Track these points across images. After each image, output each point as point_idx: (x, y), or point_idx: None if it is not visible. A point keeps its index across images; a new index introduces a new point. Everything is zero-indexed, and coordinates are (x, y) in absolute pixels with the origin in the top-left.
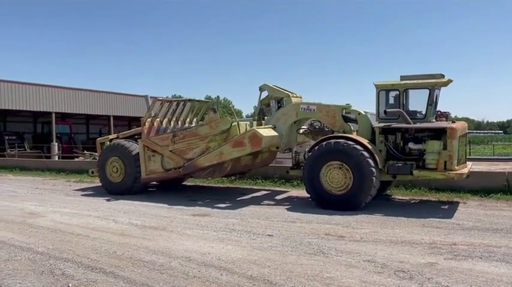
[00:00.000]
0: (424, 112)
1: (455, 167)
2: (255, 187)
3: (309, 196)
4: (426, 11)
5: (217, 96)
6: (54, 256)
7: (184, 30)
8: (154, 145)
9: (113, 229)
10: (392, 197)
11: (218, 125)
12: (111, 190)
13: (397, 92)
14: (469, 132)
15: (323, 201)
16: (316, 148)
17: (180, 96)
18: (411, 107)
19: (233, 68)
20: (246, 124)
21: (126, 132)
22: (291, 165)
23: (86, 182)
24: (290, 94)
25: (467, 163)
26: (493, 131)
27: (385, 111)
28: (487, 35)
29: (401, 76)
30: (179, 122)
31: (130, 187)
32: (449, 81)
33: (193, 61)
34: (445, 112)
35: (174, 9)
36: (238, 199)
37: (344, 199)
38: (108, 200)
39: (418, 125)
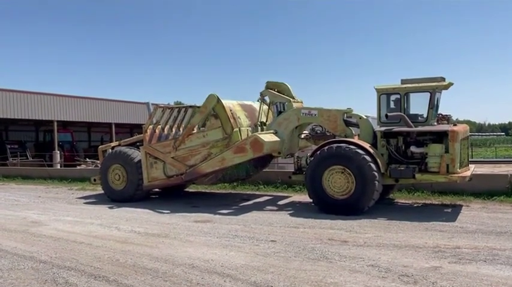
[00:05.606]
0: (425, 115)
1: (458, 170)
2: (257, 193)
3: (311, 200)
4: (426, 14)
5: None
6: (57, 264)
7: (185, 37)
8: (156, 151)
9: (116, 236)
10: (395, 201)
11: (206, 106)
12: (114, 198)
13: (398, 96)
14: (470, 135)
15: (326, 206)
16: (318, 152)
17: (181, 103)
18: (412, 111)
19: (234, 74)
20: (247, 130)
21: (127, 139)
22: (293, 170)
23: (88, 190)
24: (291, 99)
25: (470, 165)
26: (495, 133)
27: (386, 115)
28: (488, 37)
29: (402, 80)
30: (181, 129)
31: (132, 194)
32: (450, 84)
33: (194, 68)
34: (447, 115)
35: (175, 17)
36: (241, 204)
37: (347, 203)
38: (110, 207)
39: (419, 128)
